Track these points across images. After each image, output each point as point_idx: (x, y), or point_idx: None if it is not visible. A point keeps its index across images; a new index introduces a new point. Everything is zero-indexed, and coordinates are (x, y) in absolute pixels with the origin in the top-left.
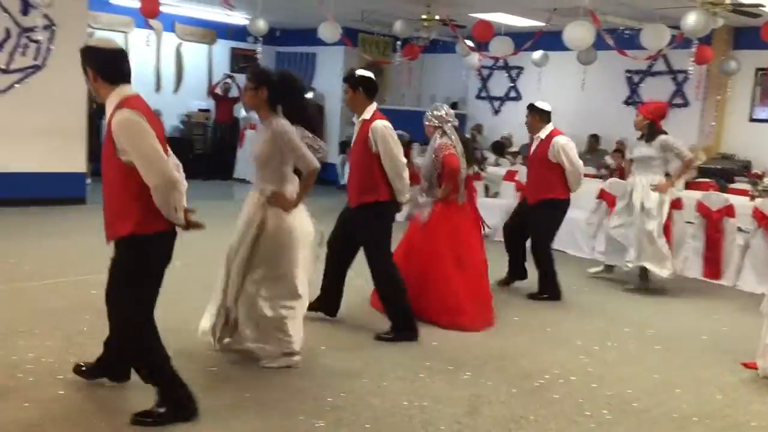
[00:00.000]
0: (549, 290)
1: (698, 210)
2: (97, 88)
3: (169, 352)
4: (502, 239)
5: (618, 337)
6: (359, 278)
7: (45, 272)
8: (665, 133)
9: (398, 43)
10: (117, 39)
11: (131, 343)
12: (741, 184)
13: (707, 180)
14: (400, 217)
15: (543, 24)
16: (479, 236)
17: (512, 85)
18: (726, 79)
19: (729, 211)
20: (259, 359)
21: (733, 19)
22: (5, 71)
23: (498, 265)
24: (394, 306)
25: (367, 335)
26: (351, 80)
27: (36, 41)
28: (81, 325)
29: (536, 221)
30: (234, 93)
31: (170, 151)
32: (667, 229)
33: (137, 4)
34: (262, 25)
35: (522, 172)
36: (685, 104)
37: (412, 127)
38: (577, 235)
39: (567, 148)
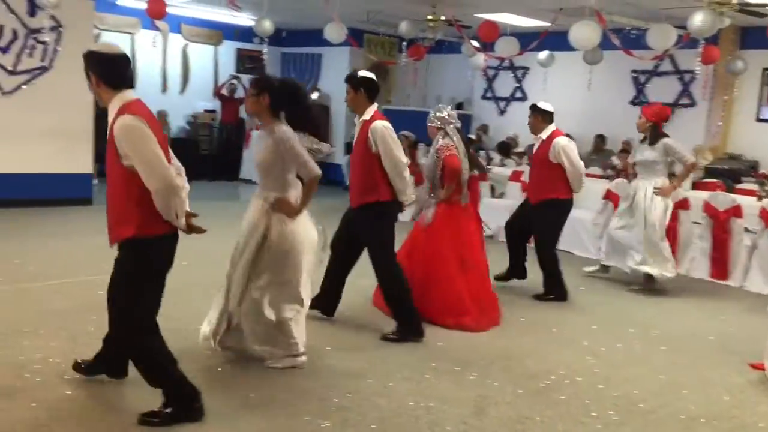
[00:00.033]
0: (555, 291)
1: (705, 210)
2: (99, 93)
3: (174, 352)
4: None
5: (624, 338)
6: (364, 279)
7: (51, 273)
8: (667, 136)
9: (404, 43)
10: (123, 40)
11: (133, 345)
12: (748, 185)
13: (714, 180)
14: (405, 218)
15: (549, 24)
16: (481, 237)
17: (518, 85)
18: (733, 79)
19: (736, 211)
20: (264, 360)
21: (739, 18)
22: (12, 72)
23: (500, 265)
24: (400, 306)
25: (372, 336)
26: (352, 81)
27: (43, 42)
28: (87, 325)
29: (538, 221)
30: (240, 94)
31: (173, 155)
32: (673, 230)
33: (144, 6)
34: (268, 25)
35: (528, 173)
36: (692, 104)
37: (417, 128)
38: (583, 235)
39: (567, 148)
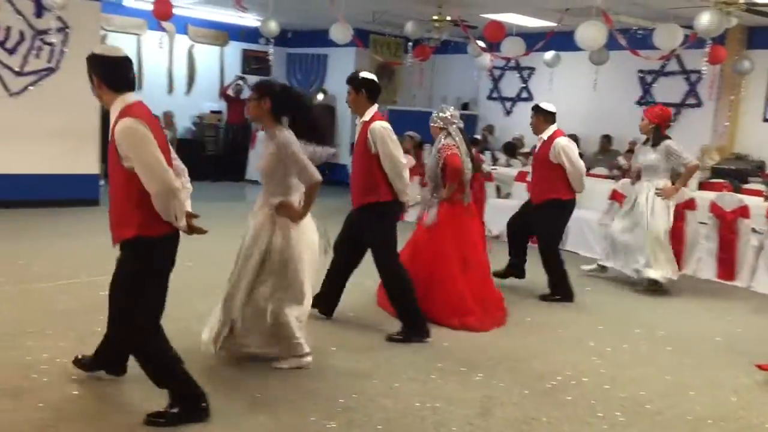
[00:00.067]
0: (561, 291)
1: (712, 211)
2: (101, 95)
3: (178, 353)
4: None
5: (630, 339)
6: (368, 279)
7: (58, 273)
8: (669, 137)
9: (409, 44)
10: (130, 41)
11: (134, 346)
12: (755, 185)
13: (721, 180)
14: (411, 218)
15: (555, 24)
16: (483, 237)
17: (524, 85)
18: (740, 79)
19: (743, 211)
20: (270, 361)
21: (746, 18)
22: (19, 74)
23: (502, 265)
24: (404, 306)
25: (377, 336)
26: (354, 82)
27: (50, 44)
28: (94, 326)
29: (540, 222)
30: (246, 94)
31: (176, 156)
32: (679, 230)
33: (150, 7)
34: (273, 26)
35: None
36: (699, 104)
37: (422, 129)
38: (588, 235)
39: (567, 149)
